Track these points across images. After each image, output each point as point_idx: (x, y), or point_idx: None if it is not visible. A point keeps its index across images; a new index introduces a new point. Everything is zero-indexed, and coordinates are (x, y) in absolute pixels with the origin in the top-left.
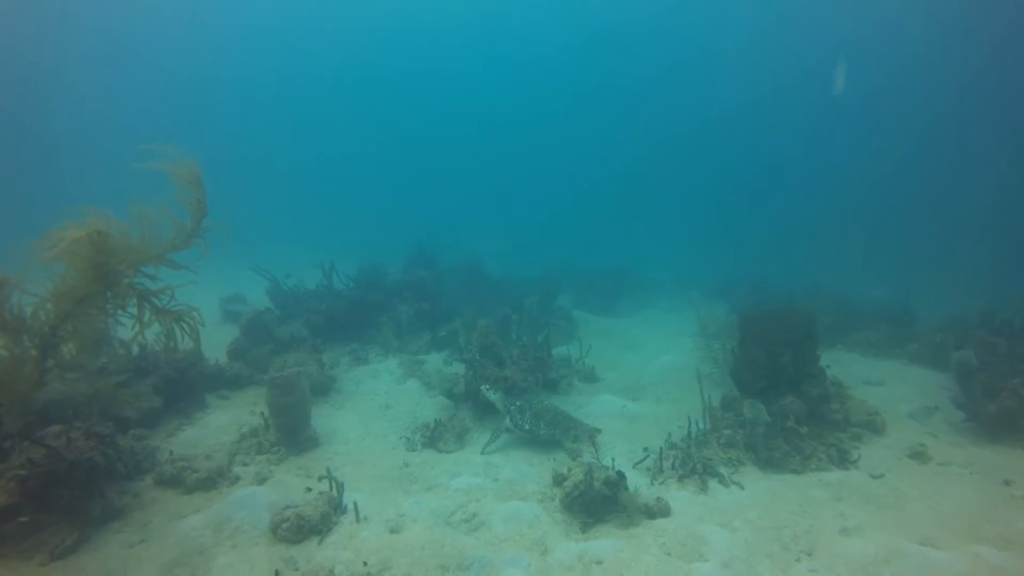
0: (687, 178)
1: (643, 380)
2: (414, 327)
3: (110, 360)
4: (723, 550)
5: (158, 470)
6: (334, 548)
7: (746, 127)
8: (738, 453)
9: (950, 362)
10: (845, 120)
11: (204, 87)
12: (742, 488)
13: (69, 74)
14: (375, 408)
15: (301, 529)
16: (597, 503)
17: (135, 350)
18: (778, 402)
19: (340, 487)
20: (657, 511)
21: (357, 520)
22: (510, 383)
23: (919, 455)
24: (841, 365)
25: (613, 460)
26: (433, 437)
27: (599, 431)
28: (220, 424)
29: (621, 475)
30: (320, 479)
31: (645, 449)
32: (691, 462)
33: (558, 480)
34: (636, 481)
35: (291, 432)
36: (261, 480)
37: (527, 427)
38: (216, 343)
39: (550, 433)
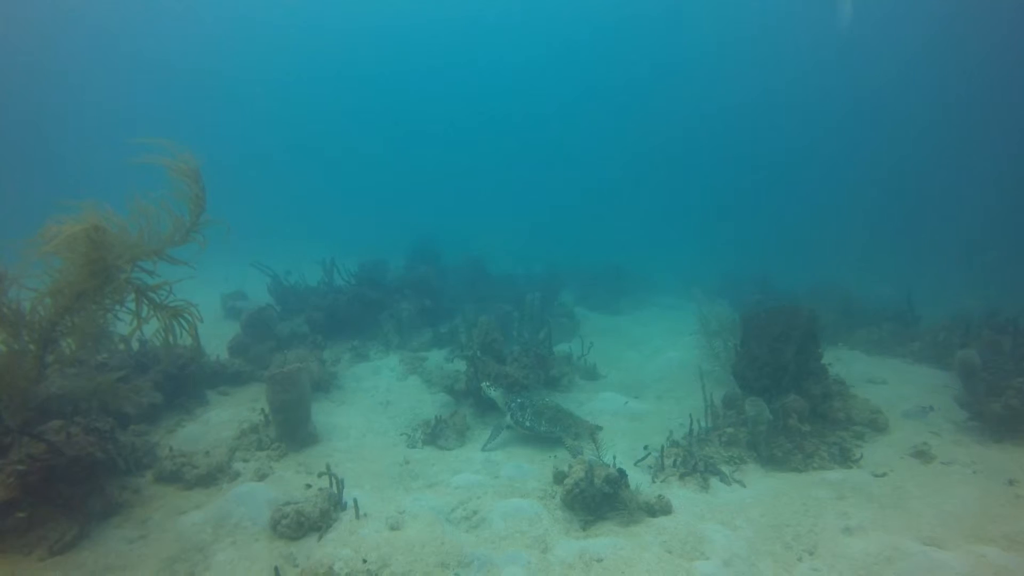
0: (689, 176)
1: (645, 378)
2: (415, 324)
3: (110, 356)
4: (724, 549)
5: (158, 466)
6: (334, 545)
7: (748, 125)
8: (740, 451)
9: (954, 360)
10: (847, 118)
11: (206, 84)
12: (744, 486)
13: (68, 70)
14: (376, 405)
15: (301, 526)
16: (598, 501)
17: (135, 346)
18: (780, 400)
19: (340, 484)
20: (658, 509)
21: (357, 517)
22: (511, 380)
23: (922, 454)
24: (843, 363)
25: (614, 458)
26: (434, 434)
27: (600, 428)
28: (220, 420)
29: (622, 473)
30: (320, 476)
31: (645, 447)
32: (693, 460)
33: (559, 478)
34: (637, 479)
35: (291, 428)
36: (261, 476)
37: (528, 424)
38: (218, 339)
39: (551, 430)
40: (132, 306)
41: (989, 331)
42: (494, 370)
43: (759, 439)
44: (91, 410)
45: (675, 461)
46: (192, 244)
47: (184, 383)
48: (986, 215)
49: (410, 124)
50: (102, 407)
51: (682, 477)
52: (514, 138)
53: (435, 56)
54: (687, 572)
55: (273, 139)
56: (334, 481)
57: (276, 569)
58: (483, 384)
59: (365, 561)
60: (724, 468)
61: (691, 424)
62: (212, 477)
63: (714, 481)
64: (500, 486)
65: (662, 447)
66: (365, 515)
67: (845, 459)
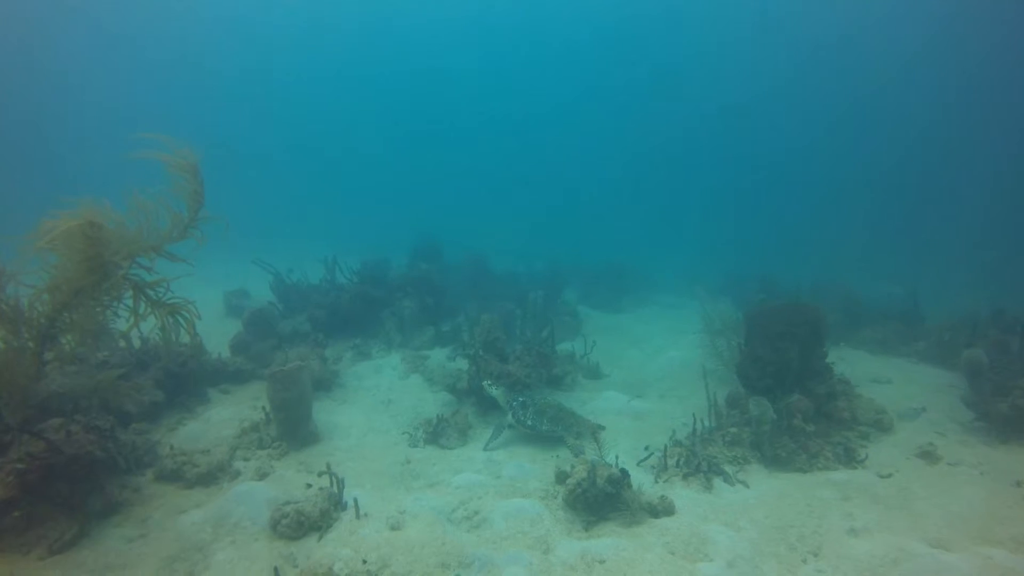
0: (690, 175)
1: (648, 377)
2: (417, 322)
3: (111, 353)
4: (728, 550)
5: (159, 464)
6: (334, 545)
7: (748, 125)
8: (743, 451)
9: (959, 360)
10: (847, 117)
11: (206, 84)
12: (747, 487)
13: (68, 69)
14: (377, 403)
15: (301, 525)
16: (600, 501)
17: (136, 343)
18: (784, 400)
19: (340, 483)
20: (661, 510)
21: (357, 516)
22: (513, 379)
23: (928, 454)
24: (848, 362)
25: (617, 457)
26: (435, 433)
27: (603, 428)
28: (221, 419)
29: (625, 473)
30: (320, 475)
31: (646, 448)
32: (696, 460)
33: (561, 478)
34: (640, 479)
35: (292, 427)
36: (262, 475)
37: (529, 423)
38: (220, 337)
39: (552, 430)
40: (130, 303)
41: (996, 331)
42: (496, 369)
43: (763, 439)
44: (92, 408)
45: (678, 461)
46: (192, 241)
47: (185, 381)
48: (986, 215)
49: (410, 124)
50: (103, 405)
51: (685, 477)
52: (515, 138)
53: (435, 56)
54: (690, 573)
55: (273, 138)
56: (334, 480)
57: (276, 569)
58: (485, 383)
59: (365, 562)
60: (728, 468)
61: (694, 424)
62: (213, 476)
63: (717, 481)
64: (502, 486)
65: (665, 447)
66: (365, 515)
67: (850, 459)
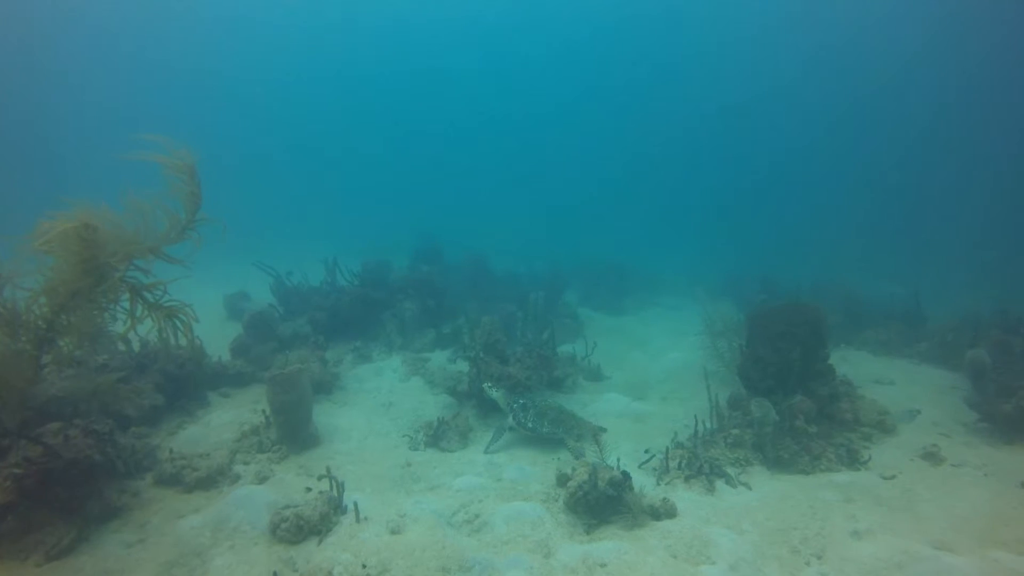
0: (690, 175)
1: (649, 378)
2: (418, 324)
3: (111, 357)
4: (730, 553)
5: (158, 468)
6: (333, 549)
7: (748, 125)
8: (746, 453)
9: (962, 361)
10: (847, 117)
11: (206, 84)
12: (750, 489)
13: (68, 70)
14: (378, 406)
15: (300, 529)
16: (602, 504)
17: (136, 347)
18: (786, 401)
19: (340, 487)
20: (663, 512)
21: (357, 520)
22: (513, 381)
23: (931, 456)
24: (850, 363)
25: (618, 460)
26: (436, 436)
27: (604, 430)
28: (222, 422)
29: (626, 475)
30: (320, 478)
31: (646, 451)
32: (698, 462)
33: (562, 480)
34: (641, 481)
35: (292, 430)
36: (262, 479)
37: (530, 426)
38: (221, 340)
39: (553, 432)
40: (127, 305)
41: (998, 331)
42: (497, 371)
43: (765, 441)
44: (91, 412)
45: (680, 463)
46: (191, 244)
47: (185, 384)
48: (986, 215)
49: (410, 124)
50: (102, 409)
51: (687, 479)
52: (515, 138)
53: (435, 56)
54: None
55: (273, 139)
56: (334, 484)
57: (275, 574)
58: (485, 385)
59: (365, 566)
60: (730, 470)
61: (696, 425)
62: (212, 480)
63: (720, 483)
64: (502, 489)
65: (667, 449)
66: (365, 519)
67: (853, 461)
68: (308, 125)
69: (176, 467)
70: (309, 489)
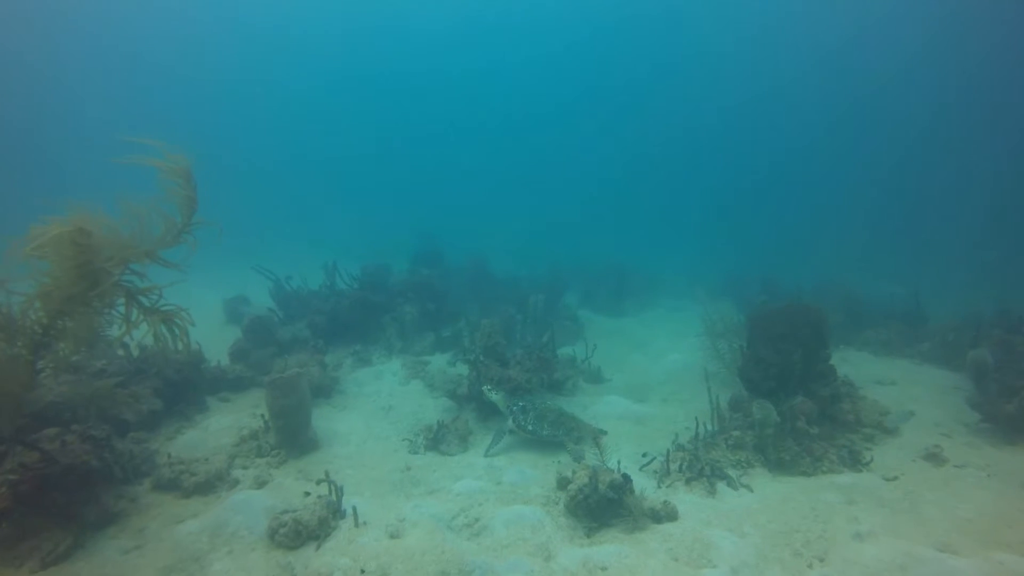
0: (690, 175)
1: (650, 380)
2: (418, 327)
3: (109, 362)
4: (732, 556)
5: (156, 474)
6: (332, 554)
7: (748, 125)
8: (747, 455)
9: (964, 361)
10: (847, 117)
11: (205, 84)
12: (751, 491)
13: (67, 70)
14: (377, 410)
15: (299, 534)
16: (602, 507)
17: (135, 352)
18: (788, 402)
19: (339, 491)
20: (664, 515)
21: (356, 525)
22: (513, 384)
23: (934, 457)
24: (851, 364)
25: (619, 462)
26: (436, 439)
27: (604, 432)
28: (220, 427)
29: (627, 478)
30: (319, 483)
31: (644, 455)
32: (699, 464)
33: (562, 483)
34: (642, 484)
35: (291, 434)
36: (260, 484)
37: (530, 428)
38: (221, 344)
39: (553, 435)
40: (123, 309)
41: (1000, 331)
42: (497, 374)
43: (766, 442)
44: (89, 417)
45: (681, 465)
46: (187, 248)
47: (184, 389)
48: (986, 215)
49: (410, 124)
50: (100, 414)
51: (688, 482)
52: (515, 138)
53: (435, 56)
54: None
55: (273, 140)
56: (333, 488)
57: None
58: (485, 388)
59: (363, 571)
60: (731, 472)
61: (697, 427)
62: (211, 485)
63: (721, 486)
64: (502, 492)
65: (668, 451)
66: (364, 523)
67: (855, 462)
68: (307, 126)
69: (174, 472)
70: (308, 494)
